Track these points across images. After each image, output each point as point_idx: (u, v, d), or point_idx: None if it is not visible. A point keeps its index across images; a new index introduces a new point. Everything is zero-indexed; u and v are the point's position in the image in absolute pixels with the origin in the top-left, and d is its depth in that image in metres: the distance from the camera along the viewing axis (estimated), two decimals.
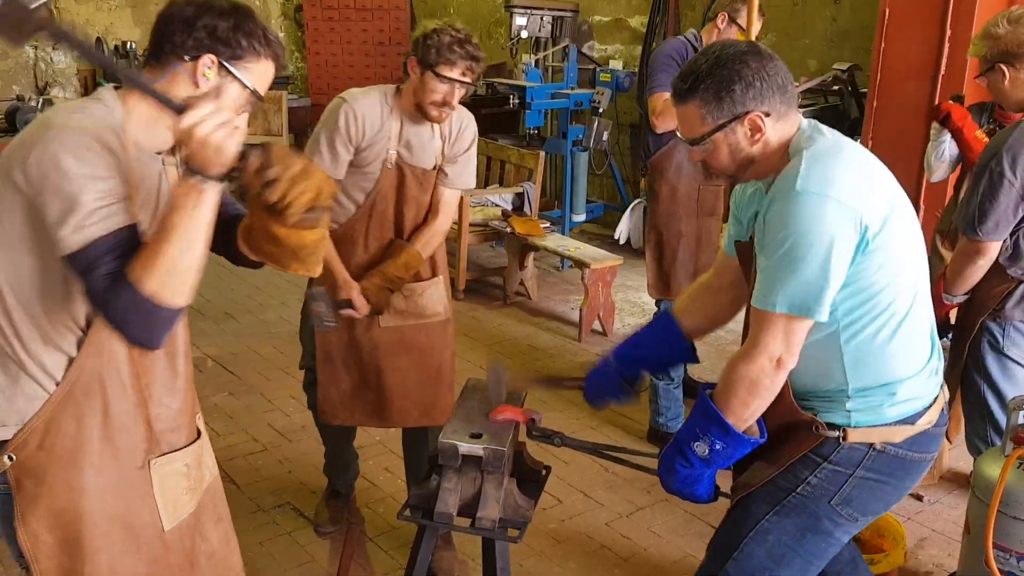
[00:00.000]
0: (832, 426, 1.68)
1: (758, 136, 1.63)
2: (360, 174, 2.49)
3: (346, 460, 2.94)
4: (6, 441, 1.48)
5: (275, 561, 2.78)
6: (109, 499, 1.55)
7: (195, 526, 1.72)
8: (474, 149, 2.61)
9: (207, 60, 1.45)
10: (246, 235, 1.58)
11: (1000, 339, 2.55)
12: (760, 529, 1.74)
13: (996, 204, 2.35)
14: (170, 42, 1.45)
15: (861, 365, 1.65)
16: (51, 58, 6.77)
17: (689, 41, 3.26)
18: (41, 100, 6.35)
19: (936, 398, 1.73)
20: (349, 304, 2.47)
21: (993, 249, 2.42)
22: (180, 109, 1.36)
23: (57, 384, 1.48)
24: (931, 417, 1.71)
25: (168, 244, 1.36)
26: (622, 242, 3.48)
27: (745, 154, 1.66)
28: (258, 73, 1.50)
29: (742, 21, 3.25)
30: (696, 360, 2.06)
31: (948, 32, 3.87)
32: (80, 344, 1.47)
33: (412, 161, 2.51)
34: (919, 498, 3.14)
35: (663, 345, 2.01)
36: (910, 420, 1.68)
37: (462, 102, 2.47)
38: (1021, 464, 2.08)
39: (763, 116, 1.62)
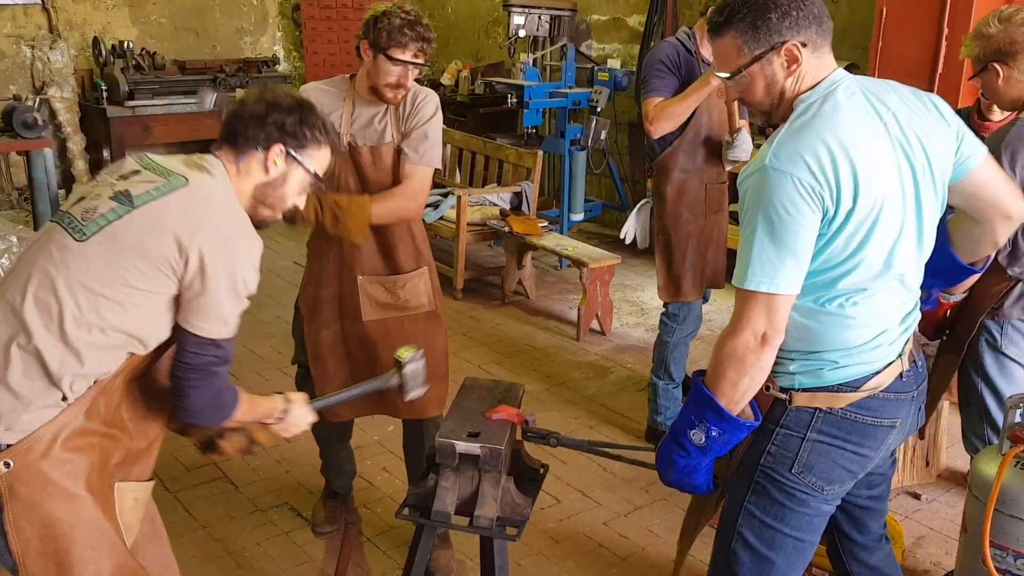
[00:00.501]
0: (781, 389, 1.69)
1: (795, 67, 1.62)
2: None
3: (341, 460, 2.94)
4: (7, 446, 1.50)
5: (273, 561, 2.78)
6: (99, 510, 1.59)
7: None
8: (432, 124, 2.51)
9: (277, 150, 1.71)
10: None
11: (998, 338, 2.55)
12: (745, 514, 1.75)
13: None
14: (244, 135, 1.70)
15: (804, 330, 1.65)
16: (48, 58, 6.76)
17: (681, 42, 3.21)
18: (38, 100, 6.34)
19: (890, 364, 1.71)
20: None
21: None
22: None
23: (75, 400, 1.55)
24: (880, 382, 1.69)
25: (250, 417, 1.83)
26: (627, 242, 3.46)
27: (781, 87, 1.64)
28: (318, 159, 1.78)
29: None
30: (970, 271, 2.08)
31: (945, 31, 3.87)
32: (106, 373, 1.60)
33: (364, 141, 2.50)
34: (917, 496, 3.15)
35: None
36: (853, 385, 1.67)
37: (419, 81, 2.48)
38: (1018, 463, 2.08)
39: (799, 46, 1.60)
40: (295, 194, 1.78)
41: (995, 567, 2.03)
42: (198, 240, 1.56)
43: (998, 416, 2.61)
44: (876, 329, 1.68)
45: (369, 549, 2.85)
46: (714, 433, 1.66)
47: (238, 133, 1.71)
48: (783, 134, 1.58)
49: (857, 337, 1.66)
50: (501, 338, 4.62)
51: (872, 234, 1.59)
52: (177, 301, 1.61)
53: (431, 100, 2.53)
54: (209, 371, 1.62)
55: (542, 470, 2.10)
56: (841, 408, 1.68)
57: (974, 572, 2.14)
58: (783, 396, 1.69)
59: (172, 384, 1.64)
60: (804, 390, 1.68)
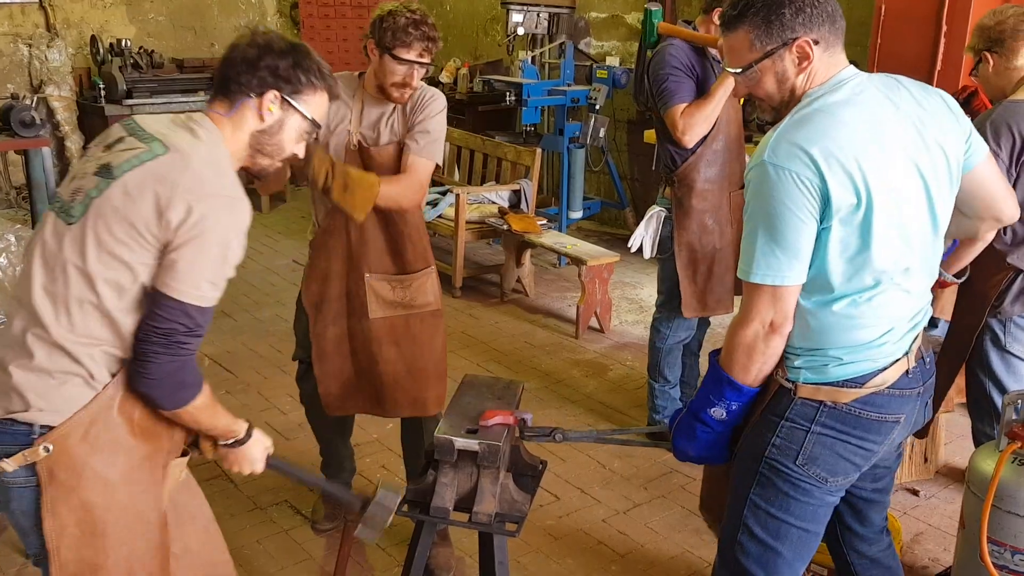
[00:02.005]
0: (788, 380, 1.71)
1: (806, 64, 1.62)
2: None
3: (341, 458, 2.94)
4: (48, 429, 1.52)
5: (272, 559, 2.78)
6: (137, 495, 1.61)
7: (169, 521, 1.76)
8: (436, 121, 2.52)
9: (271, 96, 1.63)
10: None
11: (1002, 336, 2.56)
12: (750, 505, 1.76)
13: None
14: (236, 81, 1.62)
15: (809, 328, 1.66)
16: (46, 56, 6.75)
17: (688, 42, 3.12)
18: (36, 99, 6.33)
19: (896, 361, 1.71)
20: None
21: None
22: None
23: (110, 381, 1.55)
24: (885, 379, 1.69)
25: (215, 419, 1.72)
26: (633, 250, 3.40)
27: (791, 83, 1.65)
28: (315, 104, 1.70)
29: None
30: None
31: (944, 28, 3.87)
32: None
33: (372, 141, 2.50)
34: (915, 493, 3.15)
35: None
36: (858, 381, 1.68)
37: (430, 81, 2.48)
38: (1016, 459, 2.08)
39: (811, 43, 1.61)
40: (292, 141, 1.71)
41: (993, 563, 2.03)
42: (179, 203, 1.49)
43: None
44: (883, 328, 1.68)
45: (369, 546, 2.85)
46: (734, 407, 1.71)
47: (230, 80, 1.63)
48: (782, 128, 1.58)
49: (863, 336, 1.67)
50: (500, 336, 4.62)
51: (878, 231, 1.59)
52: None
53: (438, 98, 2.54)
54: (176, 340, 1.51)
55: (541, 467, 2.10)
56: (845, 403, 1.69)
57: (972, 568, 2.15)
58: (788, 385, 1.70)
59: (135, 348, 1.54)
60: (808, 384, 1.69)
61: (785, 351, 1.70)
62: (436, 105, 2.53)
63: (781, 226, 1.55)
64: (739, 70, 1.68)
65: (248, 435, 1.77)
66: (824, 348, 1.67)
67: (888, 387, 1.70)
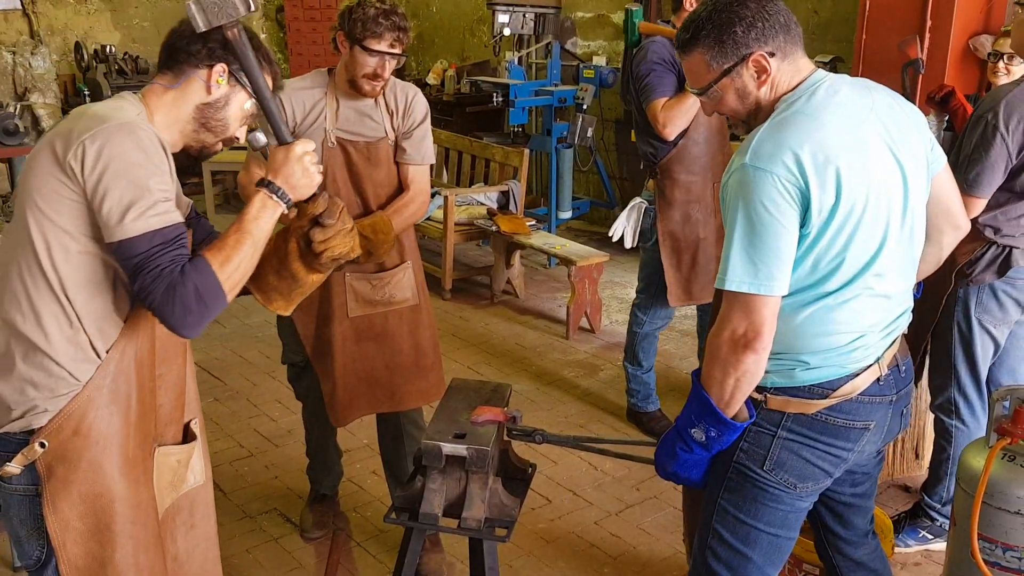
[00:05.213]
0: (757, 388, 1.66)
1: (764, 77, 1.62)
2: None
3: (329, 459, 2.92)
4: (39, 428, 1.51)
5: (262, 568, 2.76)
6: (134, 485, 1.60)
7: (165, 524, 1.74)
8: (428, 122, 2.58)
9: (220, 68, 1.60)
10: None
11: (972, 306, 2.57)
12: (719, 510, 1.75)
13: (984, 156, 2.37)
14: (186, 51, 1.60)
15: (778, 331, 1.62)
16: (30, 63, 6.71)
17: (669, 39, 3.18)
18: (20, 106, 6.29)
19: (867, 367, 1.69)
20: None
21: (973, 206, 2.40)
22: (286, 140, 1.60)
23: (97, 369, 1.53)
24: (855, 386, 1.68)
25: (242, 245, 1.53)
26: (615, 239, 3.43)
27: (754, 97, 1.65)
28: None
29: None
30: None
31: (928, 23, 3.88)
32: (118, 331, 1.55)
33: (354, 137, 2.49)
34: (906, 488, 3.15)
35: None
36: (826, 387, 1.67)
37: (402, 77, 2.47)
38: (1005, 455, 2.08)
39: (767, 56, 1.61)
40: (236, 120, 1.66)
41: (984, 560, 2.03)
42: (74, 145, 1.45)
43: (969, 388, 2.63)
44: (853, 335, 1.66)
45: (359, 553, 2.84)
46: (713, 433, 1.66)
47: (178, 50, 1.61)
48: (763, 131, 1.57)
49: (832, 342, 1.65)
50: (490, 338, 4.61)
51: (856, 235, 1.58)
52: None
53: (421, 99, 2.57)
54: (150, 265, 1.43)
55: (530, 470, 2.09)
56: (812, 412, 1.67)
57: (964, 565, 2.14)
58: (759, 397, 1.68)
59: (144, 303, 1.48)
60: (777, 390, 1.68)
61: None
62: (422, 107, 2.56)
63: (761, 231, 1.52)
64: (699, 90, 1.68)
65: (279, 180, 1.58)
66: (792, 352, 1.66)
67: (860, 393, 1.68)
